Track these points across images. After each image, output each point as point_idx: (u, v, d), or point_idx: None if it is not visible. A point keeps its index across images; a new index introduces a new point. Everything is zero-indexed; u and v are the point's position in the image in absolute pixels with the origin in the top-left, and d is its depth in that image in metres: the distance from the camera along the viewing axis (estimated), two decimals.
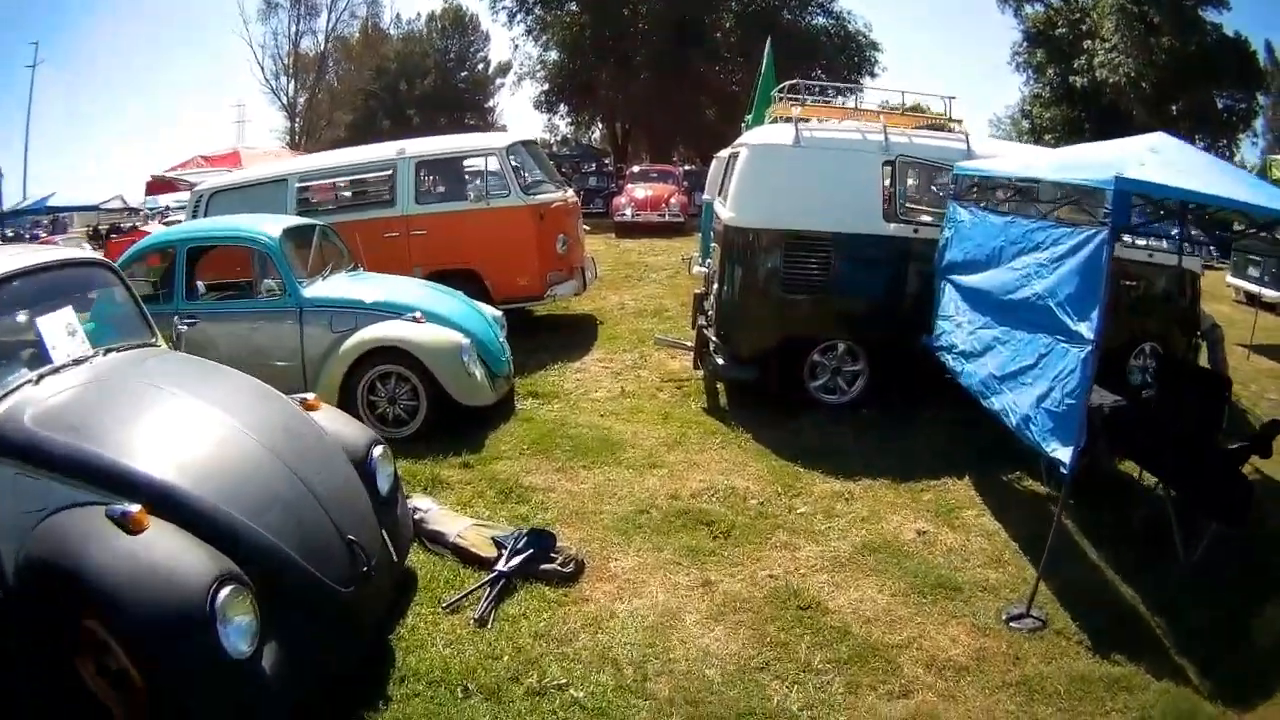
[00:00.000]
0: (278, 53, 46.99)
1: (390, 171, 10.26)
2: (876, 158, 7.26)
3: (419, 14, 55.89)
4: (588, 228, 12.32)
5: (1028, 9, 37.80)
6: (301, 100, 48.28)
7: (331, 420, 4.50)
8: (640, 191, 23.65)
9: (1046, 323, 4.69)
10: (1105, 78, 32.23)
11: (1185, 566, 4.75)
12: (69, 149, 61.33)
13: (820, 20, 36.69)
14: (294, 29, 46.79)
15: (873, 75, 37.00)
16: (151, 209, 22.49)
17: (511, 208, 9.83)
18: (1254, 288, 12.65)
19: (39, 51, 41.24)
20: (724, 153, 13.16)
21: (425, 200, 10.23)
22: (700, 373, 8.35)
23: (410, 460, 6.23)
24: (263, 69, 46.87)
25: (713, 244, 8.80)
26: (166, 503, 3.30)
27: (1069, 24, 35.48)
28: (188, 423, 3.78)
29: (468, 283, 9.72)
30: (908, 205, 7.57)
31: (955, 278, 6.37)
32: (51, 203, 26.13)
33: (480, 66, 54.85)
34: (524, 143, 10.86)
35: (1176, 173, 4.30)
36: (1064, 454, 4.33)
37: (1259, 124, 36.13)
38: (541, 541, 4.88)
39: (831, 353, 7.54)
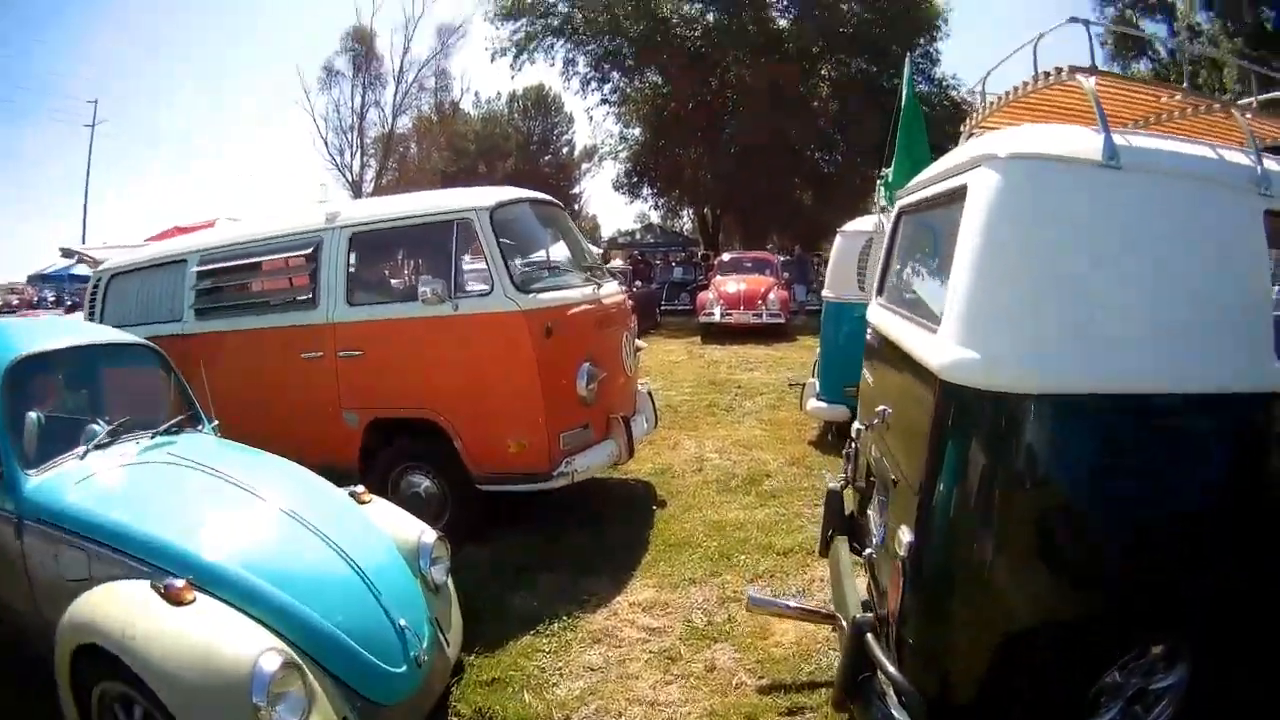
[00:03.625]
0: (340, 126, 44.47)
1: (312, 250, 6.20)
2: (1248, 202, 2.81)
3: (499, 93, 53.90)
4: (643, 345, 7.90)
5: None
6: (369, 178, 45.08)
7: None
8: (731, 285, 19.50)
9: None
10: None
11: None
12: (128, 216, 60.76)
13: (923, 87, 31.87)
14: (358, 100, 44.31)
15: None
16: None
17: (494, 315, 5.53)
18: None
19: (98, 111, 40.35)
20: (862, 224, 8.93)
21: (363, 299, 6.07)
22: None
23: None
24: (325, 143, 44.25)
25: (866, 379, 4.35)
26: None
27: None
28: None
29: (427, 443, 5.78)
30: None
31: None
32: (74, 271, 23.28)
33: (565, 150, 54.09)
34: (529, 202, 6.52)
35: None
36: None
37: None
38: None
39: (1140, 661, 2.97)
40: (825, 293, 8.58)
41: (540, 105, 52.55)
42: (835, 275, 8.44)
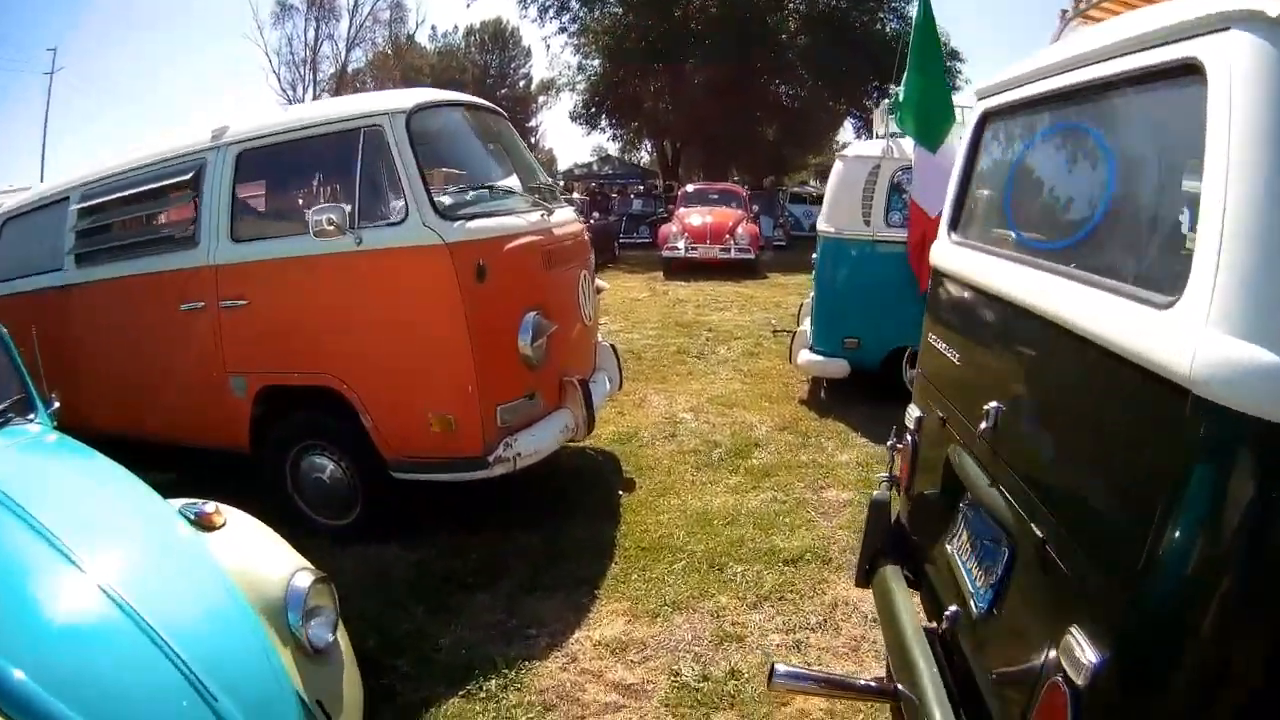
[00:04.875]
0: (293, 60, 42.31)
1: (193, 175, 4.80)
2: None
3: (456, 26, 52.25)
4: (606, 285, 6.58)
5: None
6: None
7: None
8: (696, 218, 18.18)
9: None
10: None
11: None
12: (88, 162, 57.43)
13: (894, 25, 30.33)
14: (311, 34, 42.21)
15: (956, 90, 30.67)
16: None
17: (408, 250, 4.14)
18: None
19: (57, 58, 37.98)
20: (866, 147, 7.57)
21: (250, 234, 4.65)
22: None
23: None
24: (278, 78, 42.17)
25: (940, 352, 3.03)
26: None
27: None
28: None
29: (330, 417, 4.61)
30: None
31: None
32: None
33: (522, 84, 53.68)
34: (460, 106, 5.10)
35: None
36: None
37: None
38: None
39: None
40: (822, 227, 7.28)
41: (497, 39, 52.08)
42: (835, 207, 7.12)
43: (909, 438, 3.25)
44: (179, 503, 2.90)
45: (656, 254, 18.53)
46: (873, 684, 2.90)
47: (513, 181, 5.08)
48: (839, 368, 7.10)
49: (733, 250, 17.27)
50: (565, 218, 5.23)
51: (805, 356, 7.31)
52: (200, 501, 2.91)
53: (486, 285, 4.15)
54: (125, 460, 2.98)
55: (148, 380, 5.13)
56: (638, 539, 4.65)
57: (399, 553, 4.47)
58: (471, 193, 4.64)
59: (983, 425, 2.41)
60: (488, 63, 51.78)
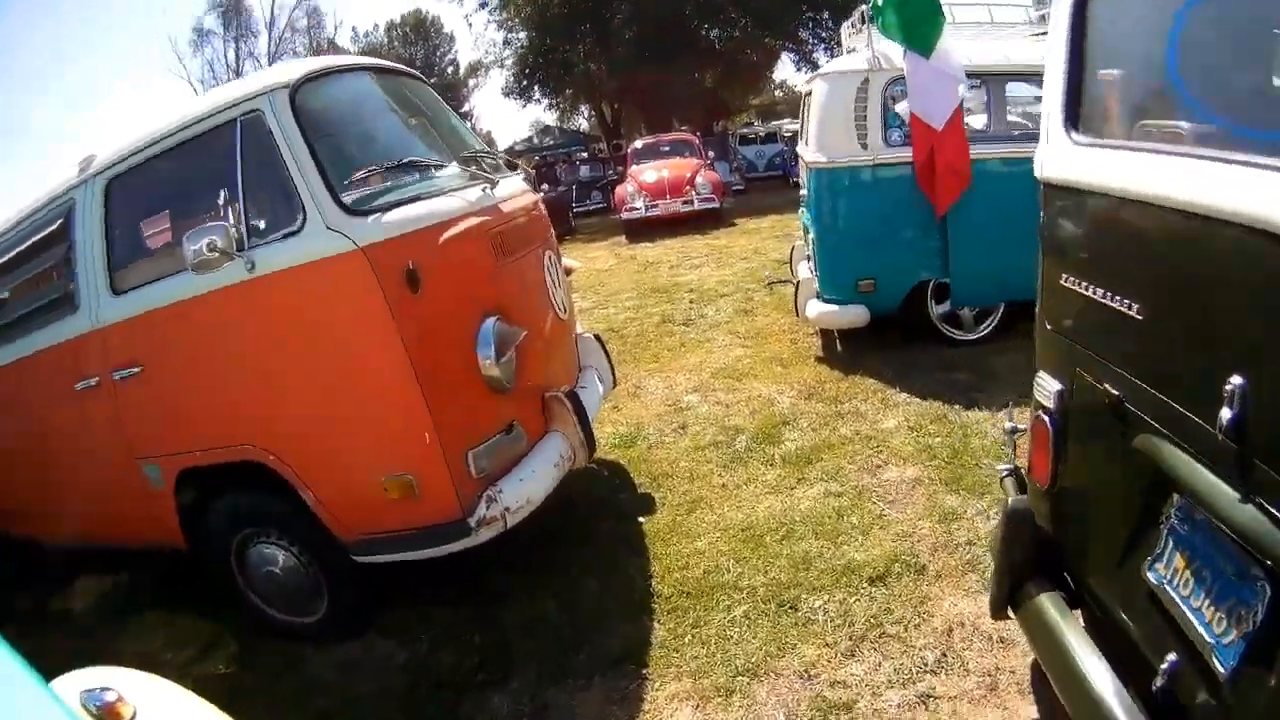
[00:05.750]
0: (218, 84, 41.13)
1: (61, 221, 3.81)
2: None
3: (376, 24, 51.64)
4: (577, 264, 5.62)
5: None
6: None
7: None
8: (651, 174, 17.05)
9: None
10: None
11: None
12: None
13: None
14: (232, 55, 40.97)
15: None
16: None
17: (312, 266, 3.08)
18: None
19: None
20: (848, 62, 6.43)
21: (131, 281, 3.58)
22: None
23: None
24: None
25: (1113, 303, 2.05)
26: None
27: None
28: None
29: (267, 497, 3.55)
30: None
31: None
32: None
33: (450, 70, 52.41)
34: (365, 72, 3.97)
35: None
36: None
37: None
38: None
39: None
40: (812, 157, 6.29)
41: (419, 30, 51.00)
42: (824, 132, 6.11)
43: (1046, 419, 2.31)
44: (79, 680, 1.90)
45: (614, 218, 17.57)
46: None
47: (442, 155, 4.04)
48: (857, 315, 6.16)
49: (696, 202, 16.21)
50: (514, 189, 4.15)
51: (817, 308, 6.36)
52: (102, 688, 1.92)
53: (424, 294, 3.13)
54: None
55: (57, 480, 4.14)
56: (677, 581, 3.69)
57: (384, 649, 3.52)
58: (387, 178, 3.58)
59: (1225, 414, 1.47)
60: (413, 55, 50.20)
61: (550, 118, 41.01)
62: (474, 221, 3.53)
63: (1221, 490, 1.57)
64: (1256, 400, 1.44)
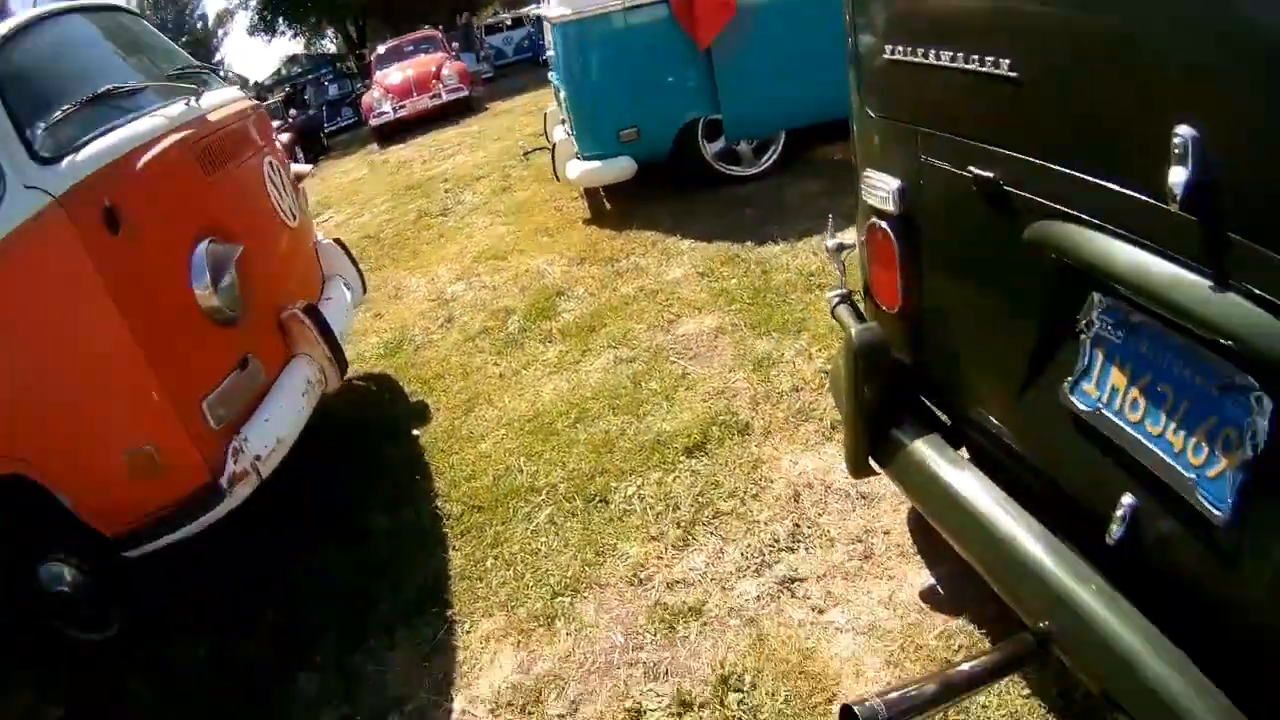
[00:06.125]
0: None
1: None
2: None
3: None
4: (308, 168, 4.77)
5: None
6: None
7: None
8: (396, 76, 16.39)
9: None
10: None
11: None
12: None
13: None
14: None
15: None
16: None
17: (18, 232, 2.25)
18: None
19: None
20: None
21: None
22: None
23: None
24: None
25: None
26: None
27: None
28: None
29: (27, 507, 2.61)
30: None
31: None
32: None
33: (200, 24, 51.99)
34: (69, 14, 3.10)
35: None
36: None
37: None
38: None
39: None
40: (557, 12, 5.56)
41: None
42: None
43: (886, 226, 1.81)
44: None
45: (367, 129, 16.62)
46: (1001, 658, 1.55)
47: (150, 78, 3.24)
48: (624, 168, 5.62)
49: (444, 94, 15.58)
50: (223, 98, 3.47)
51: (578, 168, 5.76)
52: None
53: (125, 232, 2.42)
54: None
55: None
56: (466, 495, 3.10)
57: (185, 646, 2.78)
58: (85, 115, 2.70)
59: (1175, 177, 0.97)
60: (164, 20, 47.53)
61: (297, 46, 41.63)
62: (175, 138, 2.89)
63: (1183, 279, 1.09)
64: (1215, 152, 0.96)
